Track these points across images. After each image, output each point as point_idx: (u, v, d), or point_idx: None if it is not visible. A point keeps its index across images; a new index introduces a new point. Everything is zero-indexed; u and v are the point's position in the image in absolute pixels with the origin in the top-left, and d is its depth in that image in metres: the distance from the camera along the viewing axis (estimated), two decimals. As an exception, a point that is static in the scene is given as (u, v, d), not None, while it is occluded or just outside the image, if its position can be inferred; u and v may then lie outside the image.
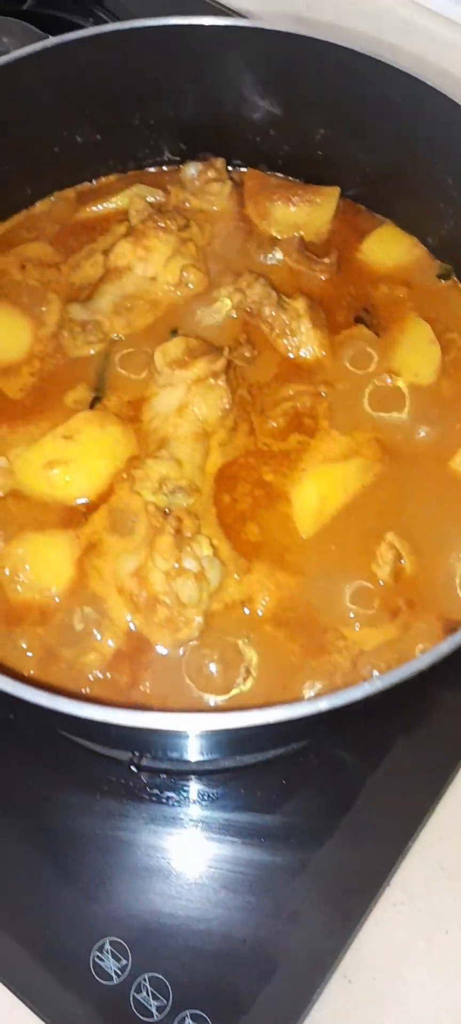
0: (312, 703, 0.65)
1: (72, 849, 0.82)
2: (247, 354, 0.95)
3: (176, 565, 0.80)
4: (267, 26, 0.98)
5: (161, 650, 0.81)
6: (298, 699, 0.79)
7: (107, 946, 0.77)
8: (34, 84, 0.96)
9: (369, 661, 0.82)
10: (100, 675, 0.79)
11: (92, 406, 0.93)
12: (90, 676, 0.79)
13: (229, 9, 1.43)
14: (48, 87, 0.97)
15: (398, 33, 1.33)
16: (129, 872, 0.81)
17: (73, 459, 0.87)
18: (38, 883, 0.80)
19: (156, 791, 0.86)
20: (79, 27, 1.38)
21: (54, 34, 1.32)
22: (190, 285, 1.00)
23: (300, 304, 0.97)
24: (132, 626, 0.81)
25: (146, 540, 0.83)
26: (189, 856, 0.82)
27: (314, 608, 0.84)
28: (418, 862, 0.83)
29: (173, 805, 0.85)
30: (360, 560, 0.86)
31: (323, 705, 0.64)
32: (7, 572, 0.83)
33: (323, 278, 1.03)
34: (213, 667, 0.81)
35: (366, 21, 1.35)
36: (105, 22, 1.40)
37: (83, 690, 0.79)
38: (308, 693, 0.80)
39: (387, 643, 0.82)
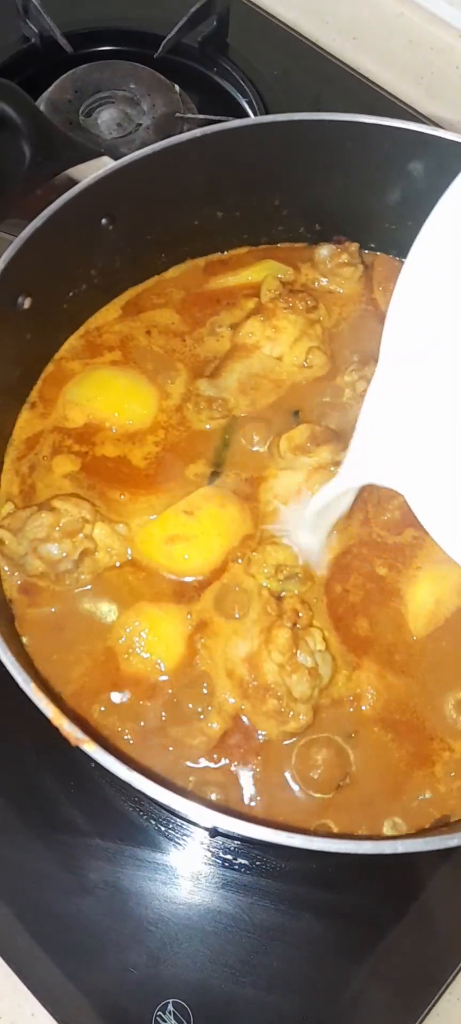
0: (437, 839, 0.65)
1: (142, 906, 0.82)
2: (369, 446, 0.94)
3: (291, 659, 0.80)
4: (420, 128, 0.99)
5: (266, 739, 0.81)
6: (403, 806, 0.79)
7: (170, 1007, 0.78)
8: (187, 165, 0.98)
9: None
10: (206, 761, 0.80)
11: (211, 481, 0.93)
12: (197, 761, 0.80)
13: (381, 92, 1.43)
14: (200, 169, 0.98)
15: None
16: (197, 935, 0.81)
17: (193, 536, 0.88)
18: (106, 938, 0.81)
19: (230, 857, 0.86)
20: (204, 76, 1.43)
21: (179, 83, 1.37)
22: (314, 367, 1.00)
23: (426, 398, 0.96)
24: (239, 711, 0.81)
25: (258, 625, 0.83)
26: (258, 925, 0.82)
27: (421, 714, 0.83)
28: None
29: (245, 872, 0.85)
30: (470, 668, 0.85)
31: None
32: (122, 640, 0.84)
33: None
34: (318, 762, 0.80)
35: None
36: (229, 73, 1.41)
37: (187, 768, 0.79)
38: (413, 803, 0.80)
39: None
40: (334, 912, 0.84)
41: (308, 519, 0.87)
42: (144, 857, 0.85)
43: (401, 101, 1.41)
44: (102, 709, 0.81)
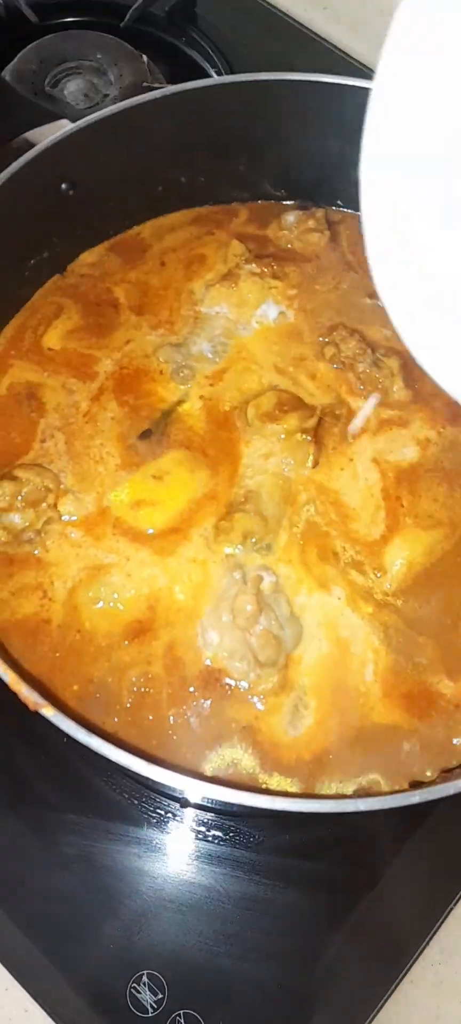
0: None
1: (115, 879, 0.82)
2: (337, 411, 0.93)
3: (256, 627, 0.79)
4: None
5: (236, 698, 0.79)
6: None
7: (144, 978, 0.78)
8: (149, 128, 0.96)
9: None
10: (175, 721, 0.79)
11: (142, 437, 0.91)
12: (167, 722, 0.79)
13: (353, 62, 1.42)
14: (162, 132, 0.97)
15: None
16: (171, 906, 0.81)
17: (160, 501, 0.87)
18: (80, 911, 0.81)
19: (203, 828, 0.86)
20: (172, 46, 1.41)
21: (147, 53, 1.35)
22: (281, 329, 0.99)
23: (394, 363, 0.95)
24: (208, 674, 0.80)
25: (226, 594, 0.82)
26: (232, 896, 0.82)
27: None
28: (459, 924, 0.83)
29: (219, 843, 0.85)
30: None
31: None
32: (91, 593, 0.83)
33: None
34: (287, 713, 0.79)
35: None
36: (197, 43, 1.39)
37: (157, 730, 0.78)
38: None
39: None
40: (308, 881, 0.84)
41: None
42: (117, 831, 0.85)
43: (373, 72, 1.39)
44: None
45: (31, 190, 0.89)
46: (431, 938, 0.82)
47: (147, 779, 0.66)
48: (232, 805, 0.64)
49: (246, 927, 0.81)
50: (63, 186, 0.93)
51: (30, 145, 0.87)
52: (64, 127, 0.89)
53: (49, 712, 0.61)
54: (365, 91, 0.93)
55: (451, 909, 0.83)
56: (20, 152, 0.84)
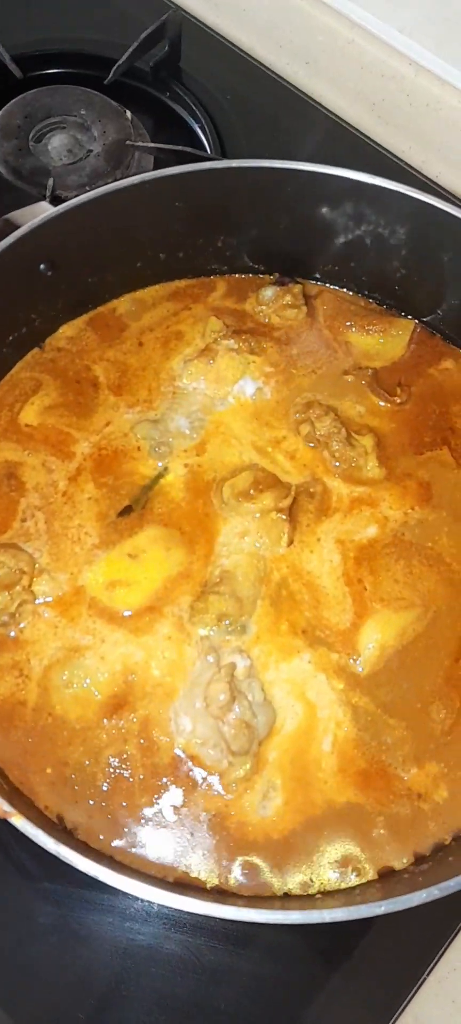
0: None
1: (90, 950, 0.82)
2: (312, 490, 0.95)
3: (229, 716, 0.80)
4: (357, 176, 0.99)
5: (209, 787, 0.80)
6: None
7: None
8: (127, 210, 0.97)
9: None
10: (148, 811, 0.80)
11: (122, 514, 0.92)
12: (138, 812, 0.80)
13: (334, 117, 1.43)
14: (140, 214, 0.98)
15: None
16: (145, 978, 0.81)
17: (135, 582, 0.88)
18: (55, 984, 0.81)
19: None
20: (157, 100, 1.42)
21: (132, 106, 1.36)
22: (258, 406, 1.00)
23: (368, 441, 0.97)
24: (179, 762, 0.81)
25: (199, 679, 0.83)
26: (205, 967, 0.82)
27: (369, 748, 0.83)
28: (432, 994, 0.83)
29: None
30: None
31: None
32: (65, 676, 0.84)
33: (395, 406, 1.03)
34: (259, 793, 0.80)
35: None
36: (181, 97, 1.41)
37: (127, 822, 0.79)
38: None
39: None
40: (282, 950, 0.84)
41: None
42: (92, 899, 0.84)
43: (354, 127, 1.41)
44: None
45: (9, 273, 0.90)
46: (404, 1008, 0.83)
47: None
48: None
49: (220, 998, 0.81)
50: (41, 267, 0.94)
51: (11, 227, 0.88)
52: (45, 210, 0.89)
53: (18, 821, 0.62)
54: (344, 180, 0.98)
55: (424, 980, 0.84)
56: (1, 235, 0.84)
